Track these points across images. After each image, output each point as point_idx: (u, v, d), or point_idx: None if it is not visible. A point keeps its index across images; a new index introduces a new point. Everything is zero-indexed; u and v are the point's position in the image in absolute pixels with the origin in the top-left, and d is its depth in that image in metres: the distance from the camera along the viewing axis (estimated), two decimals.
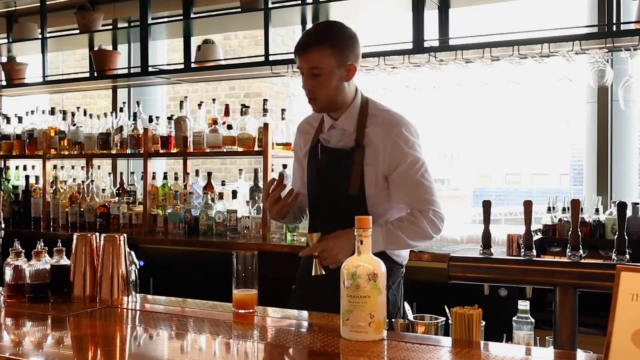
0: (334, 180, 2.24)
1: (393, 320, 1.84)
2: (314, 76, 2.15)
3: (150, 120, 4.35)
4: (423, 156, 2.22)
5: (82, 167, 4.90)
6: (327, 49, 2.12)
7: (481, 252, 1.91)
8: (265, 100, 4.07)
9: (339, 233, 2.08)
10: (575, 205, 1.83)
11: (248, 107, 4.10)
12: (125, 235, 2.08)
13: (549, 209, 3.27)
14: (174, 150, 4.23)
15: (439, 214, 2.19)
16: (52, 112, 4.87)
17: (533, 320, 1.83)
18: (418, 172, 2.18)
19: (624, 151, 3.68)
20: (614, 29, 3.18)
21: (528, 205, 1.87)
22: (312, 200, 2.36)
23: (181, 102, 4.26)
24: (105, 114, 4.64)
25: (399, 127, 2.19)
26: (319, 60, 2.13)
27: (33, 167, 5.22)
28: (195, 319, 1.86)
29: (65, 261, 2.07)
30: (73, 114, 4.75)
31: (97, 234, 2.10)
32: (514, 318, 1.85)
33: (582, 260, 1.80)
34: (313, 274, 2.05)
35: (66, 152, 4.68)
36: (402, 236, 2.16)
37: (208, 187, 4.14)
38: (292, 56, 4.57)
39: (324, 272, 2.04)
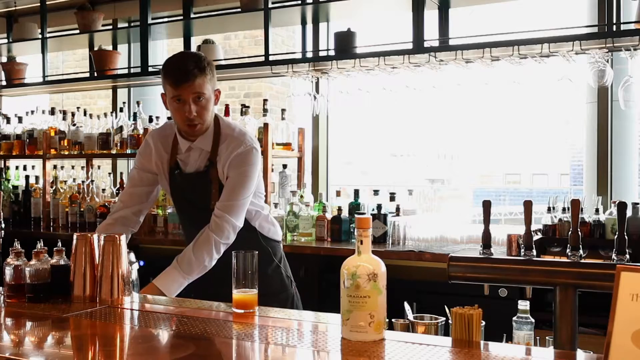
0: (199, 198, 2.45)
1: (393, 320, 1.84)
2: (197, 102, 2.32)
3: (150, 120, 4.35)
4: (251, 176, 2.41)
5: (82, 167, 4.91)
6: (207, 76, 2.32)
7: (481, 252, 1.90)
8: (265, 100, 4.07)
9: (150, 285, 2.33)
10: (575, 205, 1.83)
11: (248, 107, 4.10)
12: (125, 235, 2.08)
13: (549, 209, 3.27)
14: None
15: (232, 223, 2.37)
16: (52, 112, 4.87)
17: (533, 320, 1.83)
18: (236, 185, 2.38)
19: (624, 151, 3.68)
20: (614, 29, 3.19)
21: (528, 205, 1.87)
22: (182, 211, 2.61)
23: None
24: (105, 114, 4.64)
25: (242, 147, 2.40)
26: (202, 87, 2.31)
27: (33, 167, 5.22)
28: (195, 319, 1.86)
29: (65, 261, 2.07)
30: (73, 114, 4.75)
31: (97, 234, 2.09)
32: (514, 318, 1.84)
33: (582, 260, 1.80)
34: None
35: (66, 152, 4.68)
36: (193, 259, 2.38)
37: None
38: (292, 56, 4.59)
39: None
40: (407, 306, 1.91)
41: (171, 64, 2.36)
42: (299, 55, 4.32)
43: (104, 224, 2.56)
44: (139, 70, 4.52)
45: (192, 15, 4.58)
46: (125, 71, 4.90)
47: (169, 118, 4.34)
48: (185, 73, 2.29)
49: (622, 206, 1.83)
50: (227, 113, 4.12)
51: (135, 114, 4.45)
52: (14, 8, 5.25)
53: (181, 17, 4.64)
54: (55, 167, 4.96)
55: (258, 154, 2.45)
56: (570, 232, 1.82)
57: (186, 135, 2.43)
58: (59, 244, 2.10)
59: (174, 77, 2.30)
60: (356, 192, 3.80)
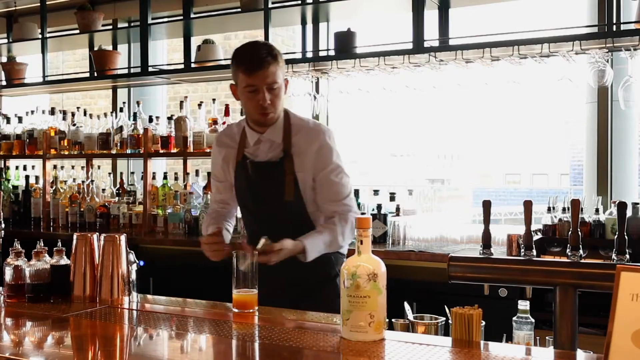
0: (269, 190, 2.38)
1: (393, 320, 1.84)
2: (271, 90, 2.27)
3: (150, 120, 4.35)
4: (342, 162, 2.41)
5: (82, 167, 4.90)
6: (279, 65, 2.29)
7: (481, 252, 1.90)
8: None
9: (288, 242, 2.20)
10: (575, 205, 1.83)
11: None
12: (125, 235, 2.08)
13: (549, 209, 3.27)
14: (174, 150, 4.23)
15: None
16: (52, 112, 4.87)
17: (533, 320, 1.83)
18: (338, 175, 2.37)
19: (624, 151, 3.68)
20: (614, 29, 3.18)
21: (528, 205, 1.87)
22: (248, 213, 2.50)
23: (181, 102, 4.26)
24: (105, 114, 4.64)
25: (322, 136, 2.37)
26: (276, 75, 2.27)
27: (33, 167, 5.22)
28: (195, 319, 1.86)
29: (65, 261, 2.07)
30: (73, 114, 4.75)
31: (97, 234, 2.10)
32: (514, 318, 1.84)
33: (582, 260, 1.80)
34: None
35: (66, 152, 4.68)
36: (336, 237, 2.32)
37: (208, 187, 4.14)
38: (292, 56, 4.58)
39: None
40: (407, 306, 1.91)
41: (244, 53, 2.31)
42: (299, 55, 4.32)
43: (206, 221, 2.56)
44: (139, 70, 4.52)
45: (192, 15, 4.58)
46: (125, 71, 4.90)
47: (169, 118, 4.35)
48: (259, 61, 2.25)
49: (622, 206, 1.83)
50: (227, 113, 4.12)
51: (135, 114, 4.44)
52: (14, 8, 5.24)
53: (181, 17, 4.64)
54: (55, 167, 4.96)
55: (336, 141, 2.41)
56: (570, 232, 1.82)
57: (258, 125, 2.37)
58: (59, 244, 2.11)
59: (247, 66, 2.26)
60: (356, 192, 3.79)
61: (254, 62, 2.25)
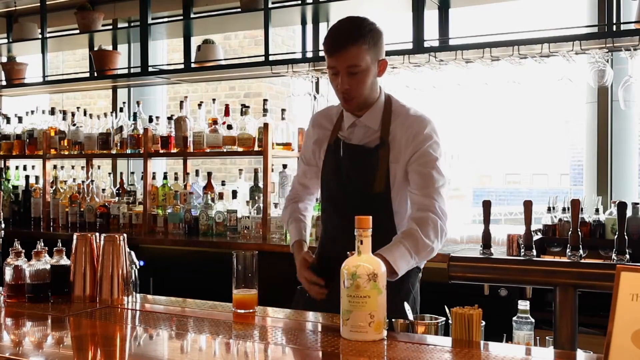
0: (359, 178, 2.18)
1: (393, 320, 1.84)
2: (351, 75, 2.07)
3: (150, 120, 4.35)
4: (441, 155, 2.18)
5: (82, 167, 4.91)
6: (364, 45, 2.06)
7: (481, 252, 1.91)
8: (265, 100, 4.07)
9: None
10: (575, 205, 1.83)
11: (248, 107, 4.10)
12: (125, 235, 2.08)
13: (549, 209, 3.27)
14: (174, 150, 4.23)
15: (444, 210, 2.13)
16: (52, 112, 4.87)
17: (533, 320, 1.83)
18: (430, 165, 2.14)
19: (624, 151, 3.68)
20: (614, 29, 3.18)
21: (528, 205, 1.87)
22: (330, 197, 2.28)
23: (181, 102, 4.26)
24: (105, 114, 4.64)
25: (423, 126, 2.16)
26: (357, 59, 2.05)
27: (33, 167, 5.22)
28: (195, 319, 1.86)
29: (65, 261, 2.07)
30: (73, 114, 4.75)
31: (97, 234, 2.10)
32: (514, 318, 1.84)
33: (582, 260, 1.80)
34: None
35: (66, 152, 4.68)
36: (421, 241, 2.07)
37: (208, 187, 4.14)
38: (292, 56, 4.58)
39: None
40: (407, 306, 1.91)
41: (330, 30, 2.13)
42: (299, 55, 4.32)
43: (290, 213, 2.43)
44: (139, 70, 4.52)
45: (192, 15, 4.58)
46: (125, 71, 4.90)
47: (169, 118, 4.35)
48: (338, 41, 2.06)
49: (622, 206, 1.83)
50: (227, 113, 4.12)
51: (135, 114, 4.44)
52: (14, 8, 5.24)
53: (181, 17, 4.64)
54: (55, 167, 4.96)
55: (438, 132, 2.19)
56: (570, 232, 1.82)
57: (347, 109, 2.20)
58: (59, 244, 2.11)
59: (327, 45, 2.09)
60: None
61: (333, 42, 2.08)
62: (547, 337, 1.88)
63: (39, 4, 4.84)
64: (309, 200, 2.48)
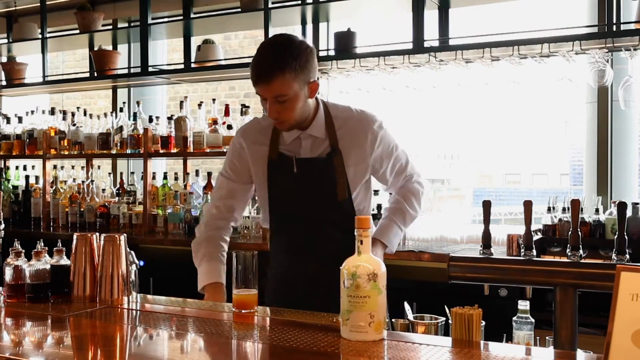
0: (319, 190, 2.18)
1: (393, 320, 1.84)
2: (279, 103, 2.05)
3: (150, 120, 4.35)
4: (393, 138, 2.30)
5: (82, 167, 4.91)
6: (289, 74, 2.00)
7: (481, 252, 1.90)
8: None
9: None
10: (575, 205, 1.83)
11: (248, 107, 4.10)
12: (125, 235, 2.08)
13: (549, 209, 3.27)
14: (174, 150, 4.23)
15: (421, 179, 2.40)
16: (52, 112, 4.87)
17: (533, 320, 1.83)
18: (395, 157, 2.30)
19: (624, 151, 3.68)
20: (614, 29, 3.18)
21: (528, 205, 1.87)
22: (286, 214, 2.25)
23: (181, 102, 4.26)
24: (105, 114, 4.64)
25: (368, 121, 2.21)
26: (283, 89, 2.02)
27: (33, 167, 5.22)
28: (195, 319, 1.86)
29: (65, 261, 2.07)
30: (73, 114, 4.75)
31: (97, 234, 2.09)
32: (514, 318, 1.85)
33: (582, 260, 1.80)
34: None
35: (66, 152, 4.68)
36: (408, 214, 2.35)
37: (208, 187, 4.14)
38: None
39: None
40: (407, 306, 1.91)
41: (255, 56, 2.07)
42: None
43: (203, 239, 2.31)
44: (139, 70, 4.52)
45: (192, 15, 4.58)
46: (125, 71, 4.90)
47: (169, 118, 4.35)
48: (262, 72, 2.02)
49: (622, 206, 1.83)
50: (227, 113, 4.13)
51: (135, 114, 4.44)
52: (14, 8, 5.25)
53: (181, 17, 4.64)
54: (55, 167, 4.96)
55: (384, 123, 2.26)
56: (570, 232, 1.82)
57: (281, 130, 2.18)
58: (59, 244, 2.10)
59: (252, 75, 2.04)
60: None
61: (258, 72, 2.03)
62: (547, 337, 1.88)
63: (39, 4, 4.84)
64: (229, 228, 2.35)
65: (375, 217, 3.56)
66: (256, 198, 2.41)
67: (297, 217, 2.22)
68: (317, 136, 2.18)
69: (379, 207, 3.62)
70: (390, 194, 2.43)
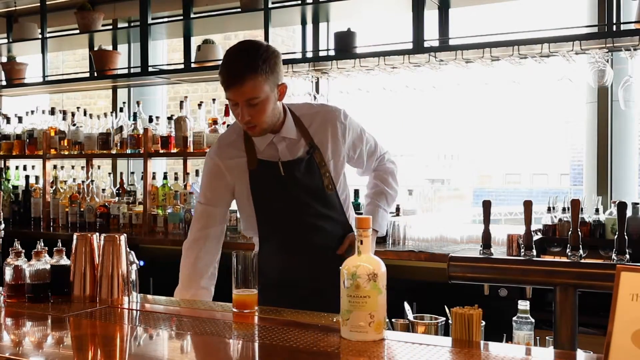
0: (309, 187, 2.24)
1: (393, 320, 1.84)
2: (251, 106, 2.08)
3: (150, 120, 4.35)
4: (361, 128, 2.40)
5: (82, 167, 4.91)
6: (261, 77, 2.05)
7: (481, 252, 1.90)
8: None
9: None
10: (575, 205, 1.83)
11: None
12: (125, 235, 2.08)
13: (549, 209, 3.27)
14: (174, 150, 4.23)
15: (391, 157, 2.54)
16: (52, 112, 4.87)
17: (533, 320, 1.83)
18: (365, 143, 2.40)
19: (624, 151, 3.68)
20: (614, 29, 3.18)
21: (528, 205, 1.87)
22: (279, 219, 2.26)
23: (181, 102, 4.26)
24: (105, 114, 4.64)
25: (331, 113, 2.31)
26: (255, 91, 2.06)
27: (33, 167, 5.22)
28: (195, 319, 1.86)
29: (65, 261, 2.07)
30: (73, 114, 4.75)
31: (97, 234, 2.10)
32: (514, 318, 1.84)
33: (582, 260, 1.80)
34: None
35: (66, 152, 4.68)
36: (389, 195, 2.48)
37: None
38: (291, 56, 4.58)
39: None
40: (407, 306, 1.91)
41: (224, 61, 2.11)
42: (299, 55, 4.32)
43: (189, 262, 2.31)
44: (139, 70, 4.52)
45: (192, 15, 4.58)
46: (125, 71, 4.90)
47: (169, 118, 4.35)
48: (233, 75, 2.06)
49: (622, 206, 1.83)
50: (227, 113, 4.13)
51: (135, 114, 4.45)
52: (14, 8, 5.25)
53: (181, 17, 4.64)
54: (55, 167, 4.96)
55: (346, 113, 2.35)
56: (570, 232, 1.82)
57: (252, 135, 2.21)
58: (59, 244, 2.10)
59: (222, 79, 2.08)
60: (356, 192, 3.79)
61: (229, 76, 2.06)
62: (547, 337, 1.88)
63: (39, 4, 4.84)
64: (215, 261, 2.33)
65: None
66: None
67: (289, 218, 2.26)
68: (290, 137, 2.23)
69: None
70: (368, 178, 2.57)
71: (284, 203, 2.25)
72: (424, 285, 3.15)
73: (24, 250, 2.09)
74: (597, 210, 3.21)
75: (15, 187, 5.08)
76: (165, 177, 4.36)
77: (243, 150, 2.25)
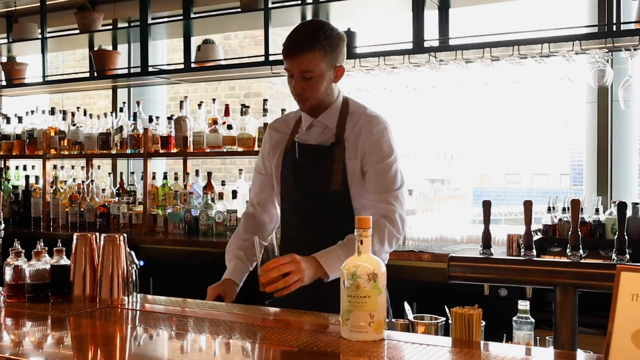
0: (315, 177, 2.19)
1: (393, 320, 1.84)
2: (305, 79, 2.11)
3: (150, 120, 4.35)
4: (396, 156, 2.20)
5: (82, 167, 4.91)
6: (319, 52, 2.08)
7: (481, 252, 1.90)
8: (265, 100, 4.07)
9: (310, 258, 1.99)
10: (575, 205, 1.83)
11: (248, 107, 4.10)
12: (125, 235, 2.08)
13: (549, 209, 3.27)
14: (174, 150, 4.23)
15: (402, 216, 2.16)
16: (52, 112, 4.87)
17: (533, 320, 1.83)
18: (387, 167, 2.16)
19: (624, 151, 3.69)
20: (614, 29, 3.18)
21: (528, 205, 1.87)
22: (289, 201, 2.27)
23: (181, 102, 4.26)
24: (105, 114, 4.64)
25: (377, 124, 2.18)
26: (311, 64, 2.09)
27: (33, 167, 5.22)
28: (195, 319, 1.86)
29: (65, 261, 2.07)
30: (73, 114, 4.75)
31: (97, 234, 2.10)
32: (514, 318, 1.84)
33: (582, 260, 1.80)
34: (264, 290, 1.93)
35: (66, 152, 4.68)
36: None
37: (208, 187, 4.15)
38: None
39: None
40: (407, 306, 1.91)
41: (290, 33, 2.14)
42: None
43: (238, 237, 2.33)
44: (139, 70, 4.52)
45: (192, 15, 4.58)
46: (125, 71, 4.90)
47: (169, 118, 4.35)
48: (293, 46, 2.10)
49: (622, 206, 1.83)
50: (227, 113, 4.13)
51: (135, 114, 4.45)
52: (14, 8, 5.24)
53: (181, 17, 4.64)
54: (55, 167, 4.96)
55: (392, 133, 2.21)
56: (570, 232, 1.82)
57: (302, 109, 2.22)
58: (59, 244, 2.10)
59: (284, 48, 2.12)
60: None
61: (290, 45, 2.11)
62: (547, 337, 1.88)
63: (39, 4, 4.84)
64: (265, 228, 2.35)
65: None
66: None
67: (296, 205, 2.24)
68: (327, 125, 2.21)
69: None
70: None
71: (294, 186, 2.23)
72: (424, 285, 3.15)
73: (24, 250, 2.09)
74: (597, 210, 3.21)
75: (15, 187, 5.08)
76: (165, 177, 4.36)
77: (291, 128, 2.30)
